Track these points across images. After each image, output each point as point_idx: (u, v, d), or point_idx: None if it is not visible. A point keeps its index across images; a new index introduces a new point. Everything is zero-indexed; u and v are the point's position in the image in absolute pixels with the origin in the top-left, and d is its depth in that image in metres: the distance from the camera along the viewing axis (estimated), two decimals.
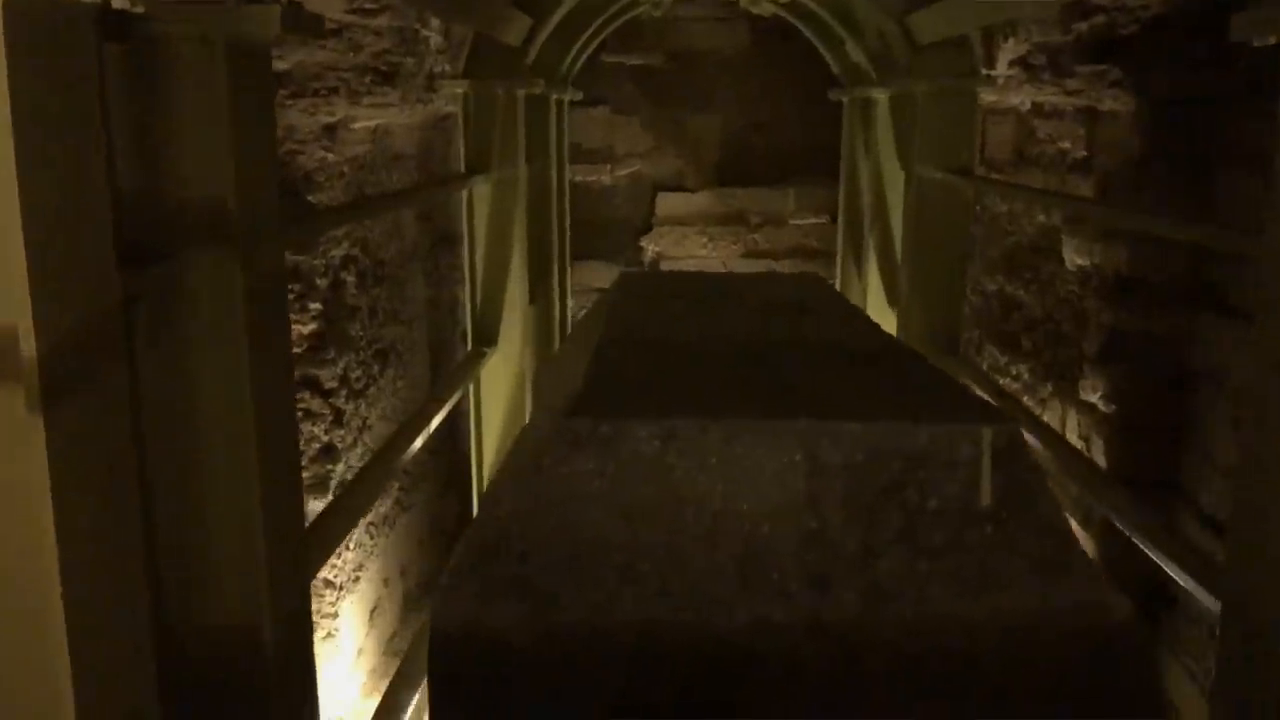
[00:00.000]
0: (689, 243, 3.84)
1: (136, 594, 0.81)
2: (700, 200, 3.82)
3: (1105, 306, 2.23)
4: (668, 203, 3.83)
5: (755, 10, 3.41)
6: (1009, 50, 2.50)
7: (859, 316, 1.63)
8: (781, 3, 3.32)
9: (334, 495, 2.07)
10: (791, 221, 3.84)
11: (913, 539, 1.00)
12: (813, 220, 3.84)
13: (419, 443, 1.80)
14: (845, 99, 3.53)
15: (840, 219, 3.61)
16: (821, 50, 3.51)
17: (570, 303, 3.54)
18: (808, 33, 3.50)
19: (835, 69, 3.52)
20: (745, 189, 3.83)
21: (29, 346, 0.64)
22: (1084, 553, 1.01)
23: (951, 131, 2.48)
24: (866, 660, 0.99)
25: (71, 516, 0.71)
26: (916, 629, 0.99)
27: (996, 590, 1.00)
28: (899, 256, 3.05)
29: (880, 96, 3.05)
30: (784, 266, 3.83)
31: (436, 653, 0.99)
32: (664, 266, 3.85)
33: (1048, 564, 1.00)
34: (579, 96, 3.31)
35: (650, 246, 3.87)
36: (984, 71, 2.46)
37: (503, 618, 0.98)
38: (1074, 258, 2.44)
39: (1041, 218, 2.70)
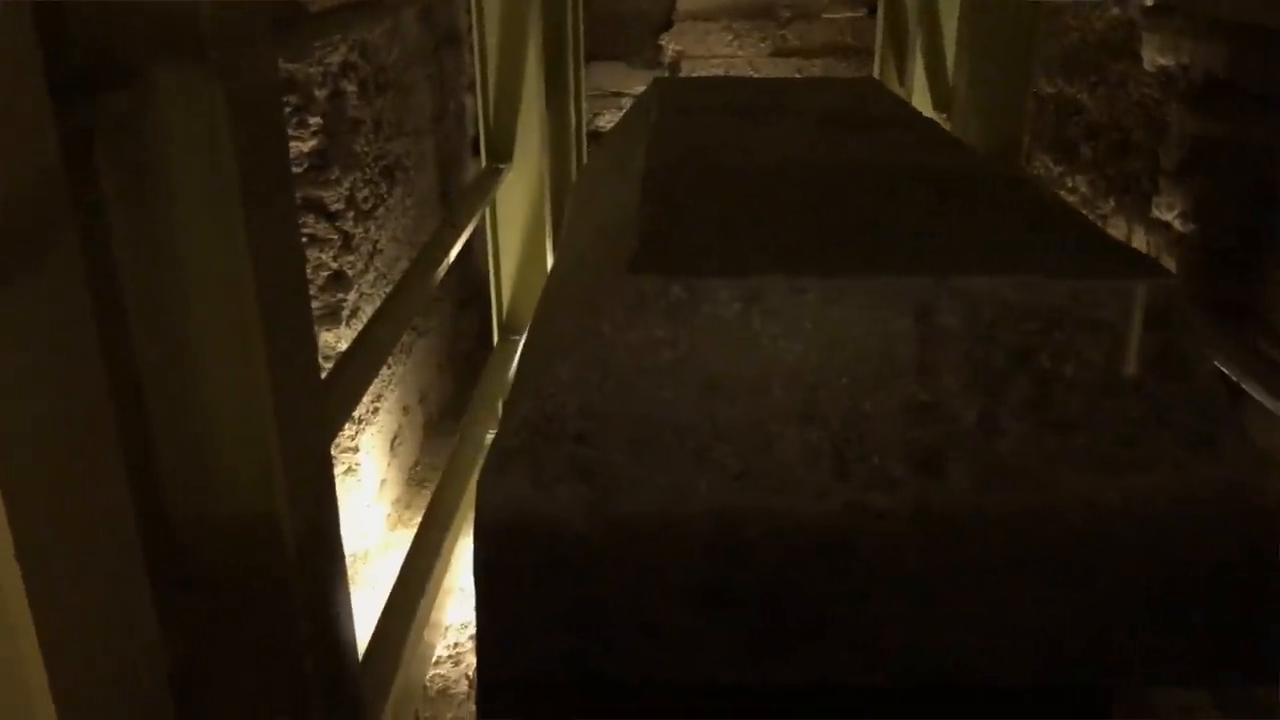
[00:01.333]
0: (712, 40, 3.53)
1: (114, 497, 0.66)
2: None
3: (1191, 113, 2.01)
4: None
5: None
6: None
7: (939, 131, 1.42)
8: None
9: (350, 339, 1.92)
10: (825, 15, 3.51)
11: (1043, 411, 0.85)
12: (848, 14, 3.51)
13: (441, 273, 1.63)
14: None
15: (880, 12, 3.29)
16: None
17: (584, 108, 3.28)
18: None
19: None
20: None
21: None
22: (1241, 428, 0.86)
23: None
24: (978, 552, 0.86)
25: (20, 423, 0.56)
26: (1039, 515, 0.86)
27: (1136, 471, 0.85)
28: (949, 55, 2.77)
29: None
30: (817, 66, 3.53)
31: (484, 541, 0.86)
32: (685, 66, 3.56)
33: (1197, 440, 0.85)
34: None
35: (670, 45, 3.56)
36: None
37: (561, 503, 0.85)
38: (1156, 57, 2.18)
39: (1116, 10, 2.42)
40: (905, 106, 1.68)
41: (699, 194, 1.07)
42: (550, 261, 2.39)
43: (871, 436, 0.84)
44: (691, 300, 0.82)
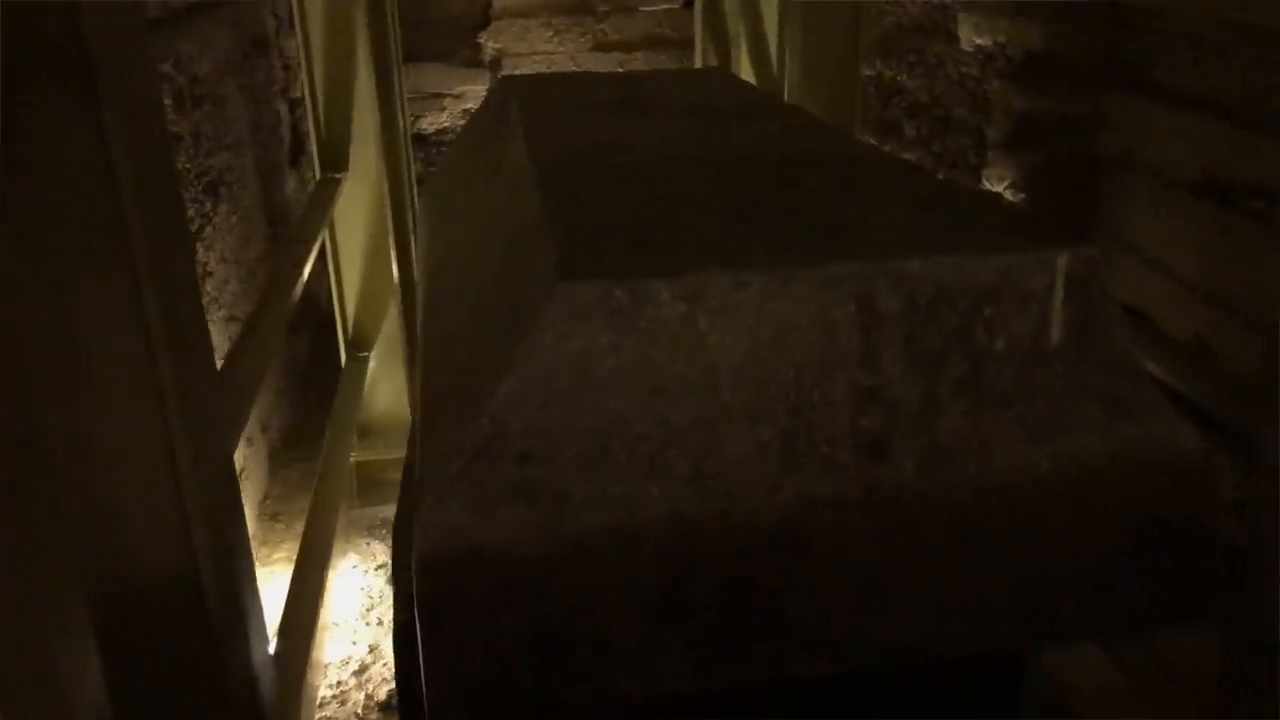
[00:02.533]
0: (532, 37, 3.48)
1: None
2: None
3: (1013, 89, 2.12)
4: None
5: None
6: None
7: (808, 117, 1.44)
8: None
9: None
10: (642, 9, 3.52)
11: (978, 388, 0.86)
12: (665, 6, 3.53)
13: (297, 294, 1.53)
14: None
15: (698, 4, 3.33)
16: None
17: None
18: None
19: None
20: None
21: None
22: (1156, 386, 0.90)
23: None
24: (927, 529, 0.87)
25: None
26: (980, 487, 0.87)
27: (1065, 436, 0.88)
28: (772, 44, 2.83)
29: None
30: (638, 59, 3.54)
31: (425, 579, 0.80)
32: (507, 64, 3.50)
33: (1117, 402, 0.89)
34: None
35: (489, 43, 3.49)
36: None
37: (506, 528, 0.80)
38: (972, 36, 2.29)
39: None
40: (765, 94, 1.70)
41: (602, 193, 1.04)
42: (397, 273, 2.30)
43: (819, 427, 0.84)
44: (634, 303, 0.79)
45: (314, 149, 2.19)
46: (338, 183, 2.14)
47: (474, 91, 3.53)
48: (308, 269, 1.63)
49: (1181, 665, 1.67)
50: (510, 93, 1.66)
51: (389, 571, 2.29)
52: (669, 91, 1.65)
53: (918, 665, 0.93)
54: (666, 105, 1.52)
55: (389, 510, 2.51)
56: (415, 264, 2.10)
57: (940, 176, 1.13)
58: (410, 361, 2.51)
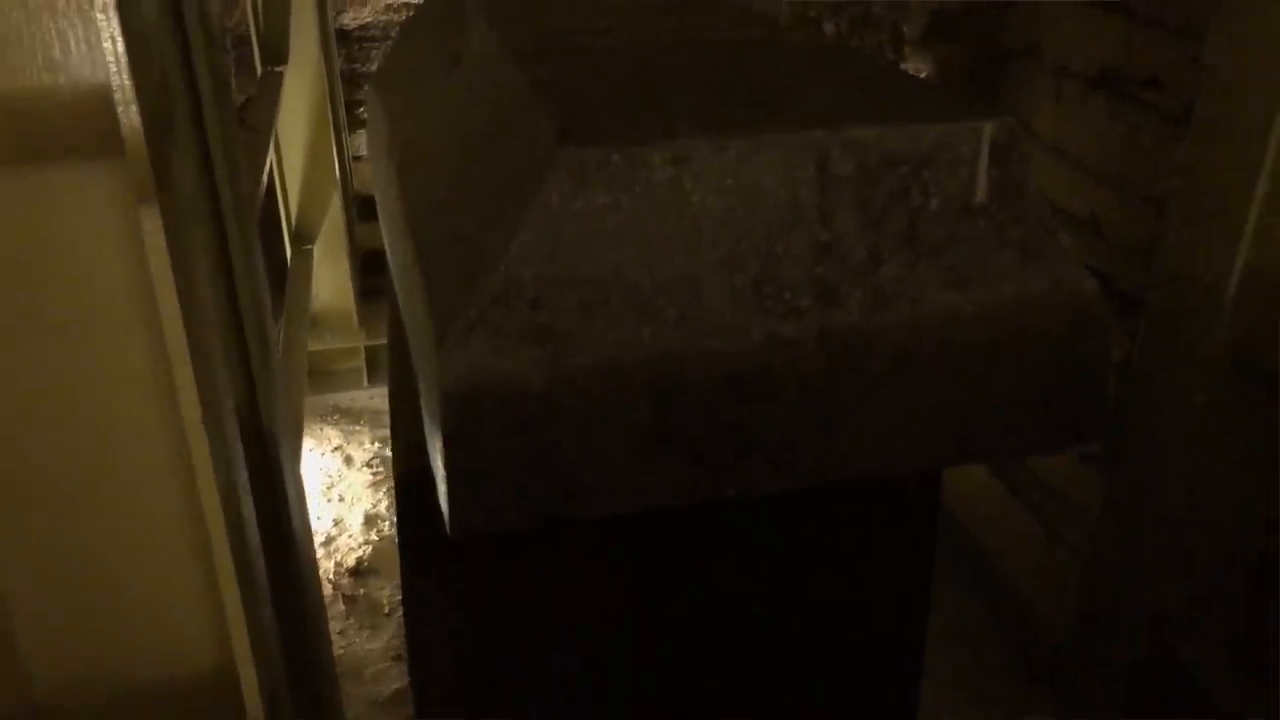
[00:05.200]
0: None
1: None
2: None
3: None
4: None
5: None
6: None
7: (753, 13, 1.55)
8: None
9: None
10: None
11: (914, 241, 1.00)
12: None
13: (262, 192, 1.59)
14: None
15: None
16: None
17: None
18: None
19: None
20: None
21: None
22: (1061, 237, 1.05)
23: None
24: (870, 363, 1.02)
25: None
26: (914, 327, 1.02)
27: (985, 282, 1.03)
28: None
29: None
30: None
31: (449, 410, 0.92)
32: None
33: (1030, 251, 1.04)
34: None
35: None
36: None
37: (519, 365, 0.92)
38: None
39: None
40: None
41: (581, 72, 1.14)
42: (338, 166, 2.35)
43: (783, 276, 0.97)
44: (629, 167, 0.90)
45: (254, 44, 2.21)
46: (280, 76, 2.17)
47: None
48: (269, 161, 1.69)
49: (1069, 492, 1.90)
50: None
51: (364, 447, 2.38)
52: None
53: (859, 483, 1.09)
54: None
55: (338, 397, 2.61)
56: (367, 150, 2.16)
57: (885, 61, 1.26)
58: (353, 253, 2.57)
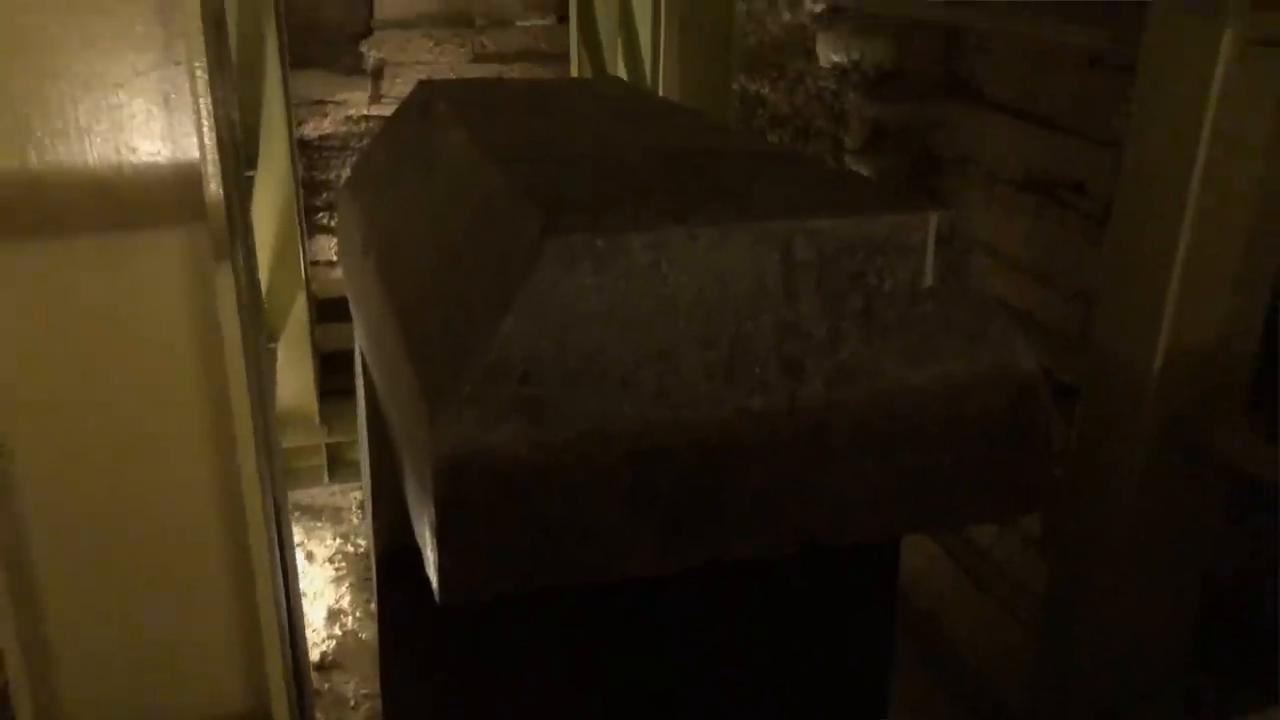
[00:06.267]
0: (413, 47, 3.62)
1: None
2: (423, 1, 3.59)
3: (866, 101, 2.41)
4: (388, 4, 3.56)
5: None
6: None
7: (708, 119, 1.67)
8: None
9: None
10: (518, 23, 3.71)
11: (871, 321, 1.09)
12: (540, 22, 3.74)
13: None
14: None
15: (572, 20, 3.55)
16: None
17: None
18: None
19: None
20: None
21: None
22: (1005, 318, 1.15)
23: None
24: (832, 435, 1.10)
25: None
26: (872, 400, 1.10)
27: (936, 359, 1.12)
28: (646, 60, 3.07)
29: None
30: (515, 71, 3.72)
31: (442, 478, 0.98)
32: (388, 73, 3.63)
33: (975, 332, 1.14)
34: None
35: (371, 52, 3.61)
36: None
37: (508, 437, 0.98)
38: (830, 54, 2.58)
39: (788, 15, 2.81)
40: (666, 100, 1.91)
41: (556, 174, 1.23)
42: (304, 267, 2.41)
43: (752, 352, 1.05)
44: (611, 252, 0.98)
45: None
46: (250, 180, 2.25)
47: (355, 99, 3.64)
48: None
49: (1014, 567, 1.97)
50: (433, 94, 1.83)
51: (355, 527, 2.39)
52: (581, 95, 1.85)
53: (824, 550, 1.16)
54: (581, 107, 1.72)
55: (299, 494, 2.61)
56: (339, 249, 2.23)
57: (832, 162, 1.38)
58: (314, 353, 2.62)
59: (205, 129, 0.63)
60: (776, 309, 1.05)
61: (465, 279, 1.13)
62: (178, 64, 0.61)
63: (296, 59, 3.36)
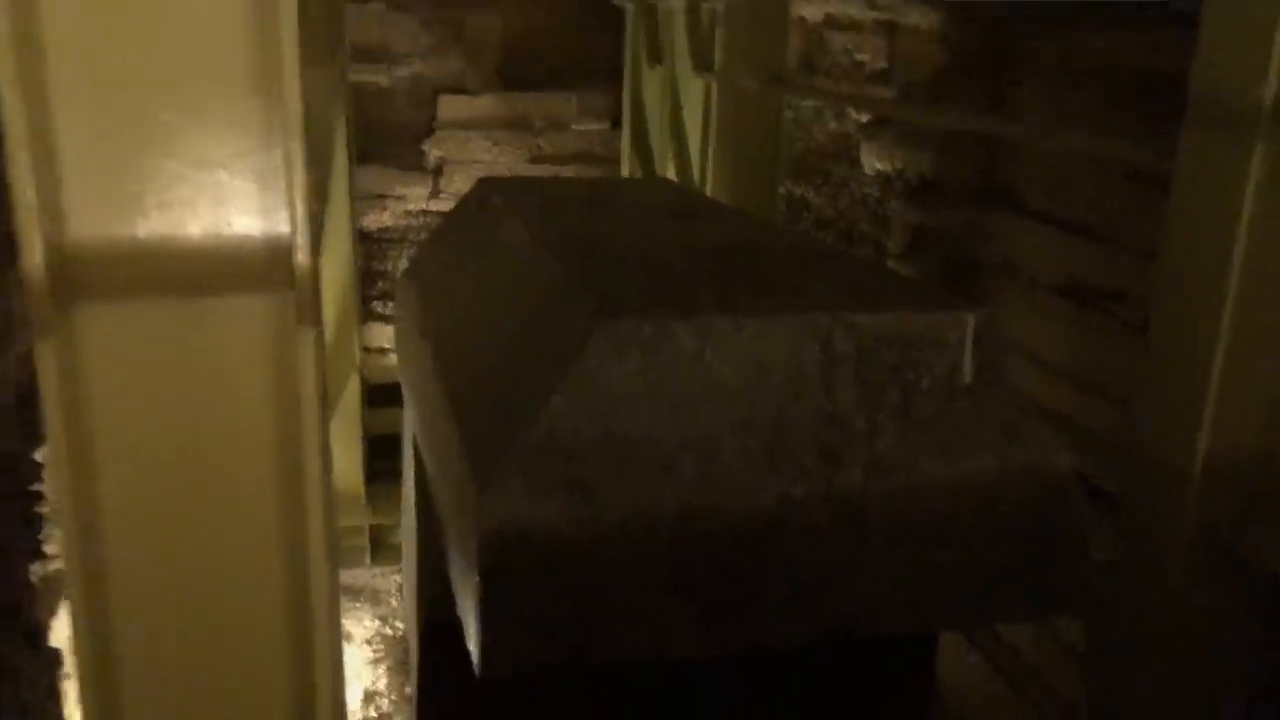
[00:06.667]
0: (473, 147, 3.77)
1: None
2: (483, 104, 3.75)
3: (909, 207, 2.48)
4: (451, 106, 3.73)
5: None
6: None
7: (752, 218, 1.73)
8: None
9: None
10: (574, 127, 3.86)
11: (908, 415, 1.12)
12: (594, 126, 3.88)
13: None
14: (629, 4, 3.57)
15: (625, 125, 3.68)
16: None
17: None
18: None
19: None
20: (527, 93, 3.80)
21: None
22: (1039, 417, 1.18)
23: (762, 41, 2.60)
24: (868, 525, 1.12)
25: None
26: (908, 493, 1.13)
27: (971, 456, 1.15)
28: (694, 164, 3.17)
29: (676, 4, 3.12)
30: (569, 171, 3.85)
31: (487, 550, 1.01)
32: (447, 171, 3.77)
33: (1011, 429, 1.16)
34: None
35: (433, 150, 3.76)
36: None
37: (552, 513, 1.02)
38: (874, 162, 2.66)
39: (833, 124, 2.91)
40: (713, 199, 1.99)
41: (608, 264, 1.29)
42: (357, 352, 2.49)
43: (792, 440, 1.09)
44: (659, 338, 1.03)
45: None
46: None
47: (414, 194, 3.78)
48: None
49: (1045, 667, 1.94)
50: (492, 189, 1.92)
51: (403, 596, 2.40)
52: (633, 193, 1.93)
53: (859, 642, 1.17)
54: (632, 204, 1.80)
55: (341, 574, 2.63)
56: (396, 333, 2.31)
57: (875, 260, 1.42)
58: (363, 436, 2.68)
59: (298, 204, 0.70)
60: (816, 398, 1.09)
61: (517, 361, 1.18)
62: (276, 149, 0.68)
63: (361, 154, 3.52)
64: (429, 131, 3.73)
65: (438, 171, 3.76)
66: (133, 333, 0.67)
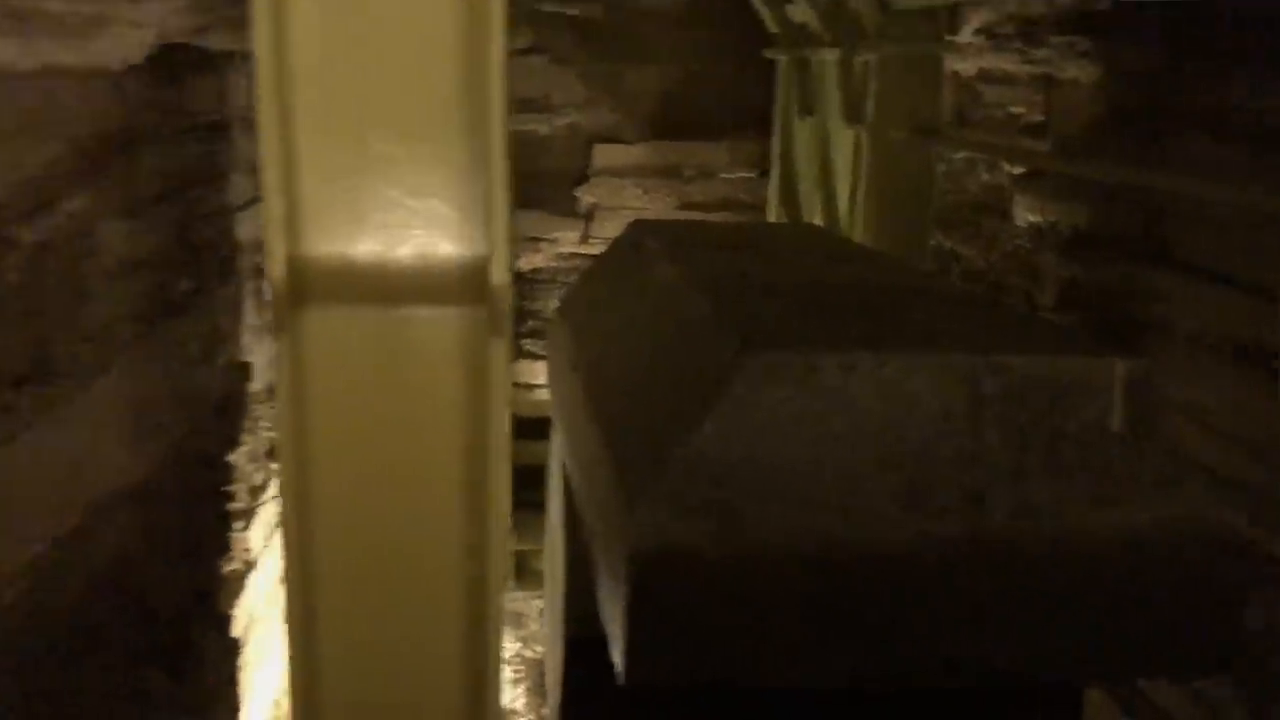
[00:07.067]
0: (624, 194, 3.90)
1: None
2: (637, 152, 3.87)
3: (1062, 260, 2.43)
4: (605, 154, 3.87)
5: None
6: (976, 18, 2.66)
7: (902, 261, 1.75)
8: None
9: None
10: (722, 175, 3.94)
11: (1055, 460, 1.12)
12: (742, 175, 3.95)
13: None
14: (782, 57, 3.64)
15: (774, 174, 3.73)
16: (759, 9, 3.61)
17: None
18: None
19: (772, 28, 3.62)
20: (679, 142, 3.91)
21: None
22: (1195, 472, 1.15)
23: (916, 95, 2.62)
24: (1012, 570, 1.12)
25: None
26: (1055, 540, 1.12)
27: (1121, 506, 1.13)
28: (842, 213, 3.19)
29: (829, 57, 3.17)
30: (716, 218, 3.93)
31: (635, 566, 1.05)
32: (599, 216, 3.90)
33: (1164, 480, 1.14)
34: (516, 45, 3.29)
35: (585, 197, 3.91)
36: (948, 38, 2.61)
37: (697, 535, 1.06)
38: (1026, 215, 2.63)
39: (986, 177, 2.89)
40: (858, 244, 2.01)
41: (756, 302, 1.33)
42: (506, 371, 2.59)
43: (935, 479, 1.10)
44: (806, 370, 1.07)
45: None
46: None
47: (566, 237, 3.92)
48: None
49: None
50: (643, 232, 2.00)
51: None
52: (777, 237, 1.97)
53: (994, 689, 1.16)
54: (782, 246, 1.84)
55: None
56: (549, 366, 2.40)
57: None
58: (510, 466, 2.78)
59: (496, 230, 0.78)
60: (961, 439, 1.10)
61: (666, 390, 1.24)
62: (481, 182, 0.76)
63: (520, 198, 3.68)
64: (583, 178, 3.87)
65: (589, 216, 3.90)
66: (347, 333, 0.77)
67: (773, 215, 3.75)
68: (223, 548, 1.29)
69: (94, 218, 0.89)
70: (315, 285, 0.78)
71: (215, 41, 1.17)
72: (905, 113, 2.61)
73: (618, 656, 1.07)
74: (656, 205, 3.90)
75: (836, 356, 1.07)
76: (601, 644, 1.16)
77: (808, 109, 3.52)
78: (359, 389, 0.78)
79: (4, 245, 0.77)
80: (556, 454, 1.93)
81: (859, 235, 2.92)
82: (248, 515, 1.46)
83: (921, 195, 2.66)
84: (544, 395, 2.24)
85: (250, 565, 1.56)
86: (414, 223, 0.79)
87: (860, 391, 1.08)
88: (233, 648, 1.34)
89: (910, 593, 1.10)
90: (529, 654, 2.43)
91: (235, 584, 1.33)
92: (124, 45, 0.84)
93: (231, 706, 1.33)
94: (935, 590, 1.10)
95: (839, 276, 1.55)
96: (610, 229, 3.81)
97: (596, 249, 3.72)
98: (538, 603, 2.62)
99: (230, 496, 1.31)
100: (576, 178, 3.84)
